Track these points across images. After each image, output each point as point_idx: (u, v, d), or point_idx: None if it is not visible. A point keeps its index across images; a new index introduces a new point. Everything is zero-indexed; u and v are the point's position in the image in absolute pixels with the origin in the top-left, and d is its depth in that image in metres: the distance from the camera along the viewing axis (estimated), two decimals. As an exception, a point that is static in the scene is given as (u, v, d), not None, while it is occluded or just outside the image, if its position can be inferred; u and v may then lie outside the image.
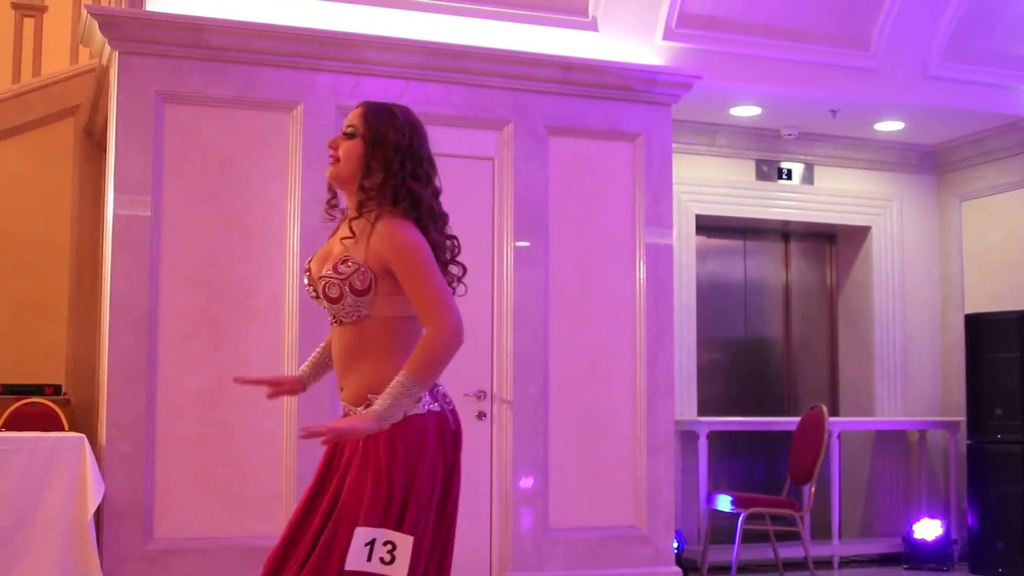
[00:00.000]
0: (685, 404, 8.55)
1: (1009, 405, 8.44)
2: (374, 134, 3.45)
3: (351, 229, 3.42)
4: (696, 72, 7.48)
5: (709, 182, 8.91)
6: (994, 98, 8.58)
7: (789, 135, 8.91)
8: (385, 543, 3.22)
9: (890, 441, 9.41)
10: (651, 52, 7.51)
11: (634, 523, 7.24)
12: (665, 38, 7.54)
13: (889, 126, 8.95)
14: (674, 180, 7.64)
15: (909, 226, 9.56)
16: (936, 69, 8.32)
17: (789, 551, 8.25)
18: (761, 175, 9.08)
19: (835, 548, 8.74)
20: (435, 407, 3.40)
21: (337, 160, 3.46)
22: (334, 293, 3.36)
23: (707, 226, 9.11)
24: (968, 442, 8.73)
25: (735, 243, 9.56)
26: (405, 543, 3.23)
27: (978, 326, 8.74)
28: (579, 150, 7.34)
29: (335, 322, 3.46)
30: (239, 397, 6.49)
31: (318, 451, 6.48)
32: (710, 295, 9.20)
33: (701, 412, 8.73)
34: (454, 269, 3.56)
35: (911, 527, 8.79)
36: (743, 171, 9.06)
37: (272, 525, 6.49)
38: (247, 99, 6.64)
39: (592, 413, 7.19)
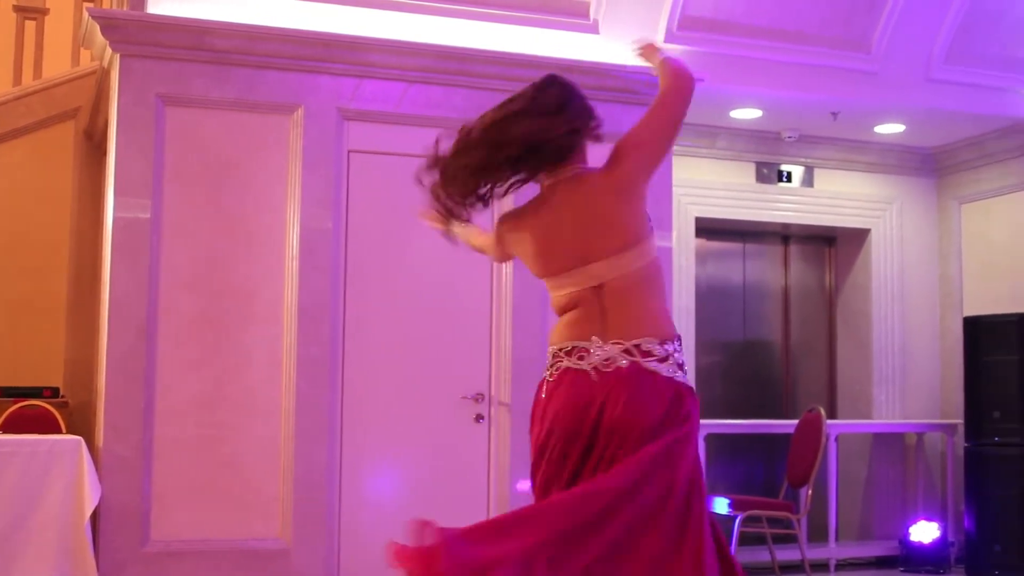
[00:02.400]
0: (684, 406, 8.52)
1: (1007, 408, 8.45)
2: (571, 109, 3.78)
3: None
4: (697, 74, 7.43)
5: (709, 184, 8.90)
6: (995, 101, 8.58)
7: (789, 138, 8.91)
8: None
9: (888, 444, 9.42)
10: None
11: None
12: (666, 40, 7.52)
13: (889, 129, 8.94)
14: (674, 182, 7.64)
15: (909, 229, 9.56)
16: (937, 72, 8.32)
17: (786, 554, 8.25)
18: (761, 177, 9.08)
19: (832, 551, 8.75)
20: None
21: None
22: None
23: (707, 229, 9.11)
24: (966, 445, 8.74)
25: (734, 246, 9.56)
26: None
27: (977, 329, 8.74)
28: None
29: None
30: (237, 400, 6.51)
31: (313, 454, 6.51)
32: (709, 298, 9.20)
33: (700, 415, 8.72)
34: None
35: (908, 530, 8.79)
36: (743, 174, 9.05)
37: (270, 527, 6.51)
38: (248, 102, 6.63)
39: (591, 416, 7.18)
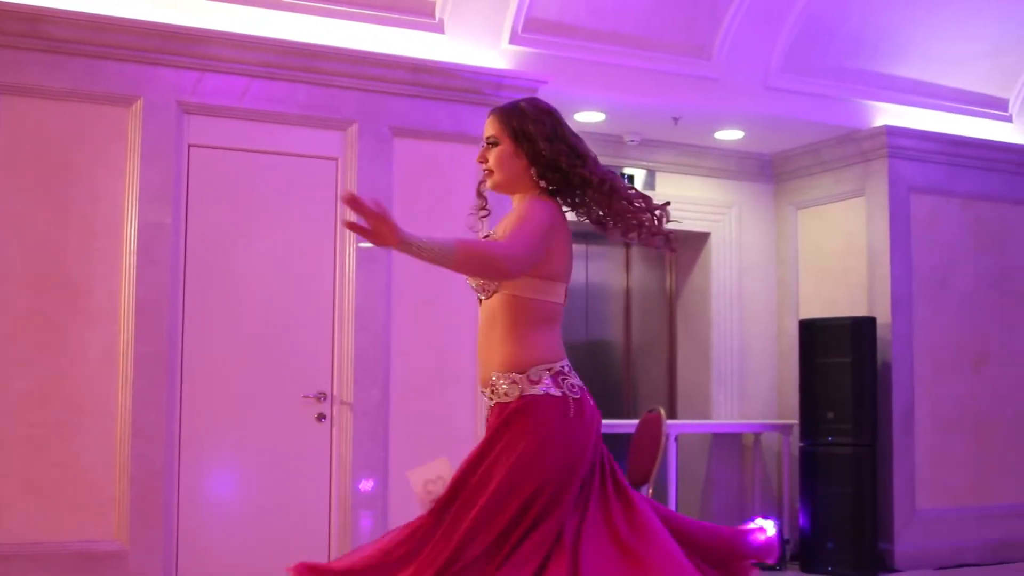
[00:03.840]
0: (527, 406, 8.56)
1: (840, 409, 8.68)
2: (515, 131, 3.57)
3: None
4: (541, 77, 7.53)
5: (553, 186, 8.93)
6: (830, 110, 8.82)
7: (631, 141, 9.02)
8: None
9: (726, 443, 9.59)
10: (497, 56, 7.54)
11: (474, 525, 7.24)
12: (511, 42, 7.57)
13: (729, 135, 9.12)
14: (519, 184, 7.67)
15: (747, 233, 9.75)
16: (775, 80, 8.52)
17: (627, 552, 8.32)
18: (604, 180, 9.14)
19: (671, 549, 8.85)
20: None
21: (491, 172, 3.61)
22: None
23: (550, 230, 9.13)
24: (801, 445, 8.95)
25: (577, 247, 9.42)
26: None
27: (812, 331, 8.96)
28: (425, 152, 7.33)
29: (480, 300, 3.60)
30: (71, 398, 6.34)
31: (151, 453, 6.37)
32: (552, 298, 9.23)
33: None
34: (655, 240, 3.69)
35: (745, 528, 8.94)
36: (587, 176, 9.10)
37: (106, 529, 6.36)
38: (86, 92, 6.47)
39: (435, 416, 7.18)
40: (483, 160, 3.64)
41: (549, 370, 3.45)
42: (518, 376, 3.43)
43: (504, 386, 3.44)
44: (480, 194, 3.79)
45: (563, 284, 3.59)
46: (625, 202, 3.63)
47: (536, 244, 3.41)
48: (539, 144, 3.57)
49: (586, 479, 3.41)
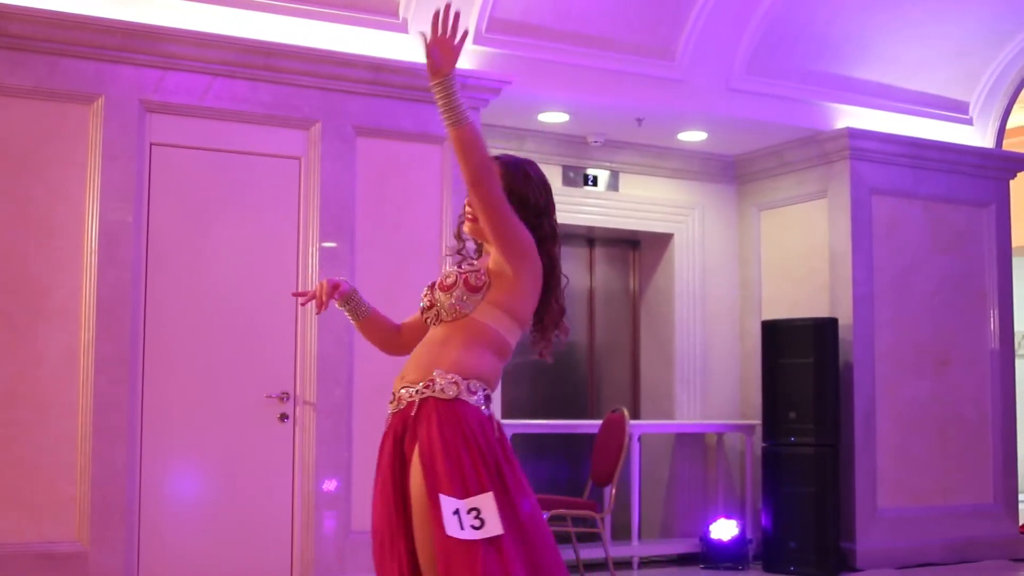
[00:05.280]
0: (490, 407, 8.56)
1: (802, 409, 8.71)
2: (517, 194, 3.58)
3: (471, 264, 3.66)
4: (505, 77, 7.54)
5: (517, 187, 8.93)
6: (793, 112, 8.87)
7: (595, 142, 9.03)
8: (469, 510, 3.31)
9: (689, 444, 9.62)
10: (462, 56, 7.51)
11: (437, 526, 7.24)
12: (475, 42, 7.56)
13: (692, 136, 9.15)
14: (482, 184, 7.67)
15: (710, 234, 9.78)
16: (738, 82, 8.56)
17: (590, 552, 8.34)
18: (567, 181, 9.19)
19: (635, 548, 8.89)
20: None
21: (475, 219, 3.58)
22: (450, 281, 3.55)
23: (515, 230, 9.14)
24: (763, 445, 8.98)
25: (541, 248, 9.61)
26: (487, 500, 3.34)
27: (775, 332, 8.99)
28: (388, 151, 7.33)
29: (435, 322, 3.60)
30: (30, 398, 6.30)
31: (112, 453, 6.33)
32: (516, 299, 9.23)
33: (505, 415, 8.75)
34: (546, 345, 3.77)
35: (708, 527, 8.98)
36: (550, 176, 8.93)
37: (67, 530, 6.31)
38: (46, 90, 6.43)
39: (397, 415, 7.15)
40: (472, 205, 3.65)
41: (485, 390, 3.54)
42: (461, 380, 3.48)
43: (442, 383, 3.47)
44: (459, 236, 3.81)
45: (521, 332, 3.65)
46: (555, 302, 3.72)
47: (514, 221, 3.49)
48: (528, 213, 3.60)
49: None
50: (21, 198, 6.37)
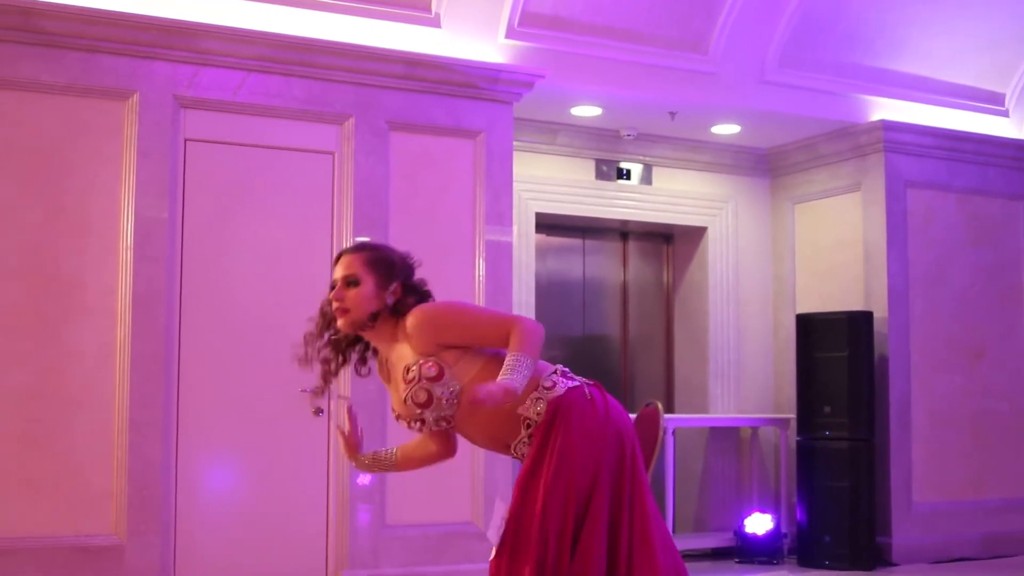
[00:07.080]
0: (523, 401, 8.55)
1: (837, 403, 8.68)
2: (381, 270, 3.67)
3: (397, 354, 3.60)
4: (538, 71, 7.53)
5: (549, 181, 8.96)
6: (826, 104, 8.82)
7: (628, 136, 9.02)
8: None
9: (723, 437, 9.60)
10: (494, 50, 7.53)
11: (471, 519, 7.26)
12: (508, 36, 7.57)
13: (725, 129, 9.12)
14: (515, 178, 7.69)
15: (743, 228, 9.75)
16: (771, 75, 8.52)
17: (624, 546, 8.32)
18: (600, 175, 9.17)
19: (669, 543, 8.85)
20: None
21: (346, 311, 3.61)
22: (422, 398, 3.50)
23: (547, 224, 9.16)
24: (798, 439, 8.95)
25: (574, 242, 9.64)
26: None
27: (808, 326, 8.96)
28: (421, 146, 7.33)
29: (448, 427, 3.63)
30: (67, 393, 6.34)
31: (148, 448, 6.37)
32: (549, 293, 9.25)
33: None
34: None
35: (743, 521, 8.97)
36: (583, 170, 9.13)
37: (103, 523, 6.35)
38: (80, 86, 6.47)
39: (431, 410, 7.17)
40: (340, 299, 3.67)
41: (554, 372, 3.56)
42: (535, 395, 3.49)
43: (537, 409, 3.48)
44: (337, 346, 3.88)
45: (482, 344, 3.60)
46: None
47: (476, 314, 3.74)
48: (396, 276, 3.73)
49: (614, 468, 3.48)
50: (56, 195, 6.41)
